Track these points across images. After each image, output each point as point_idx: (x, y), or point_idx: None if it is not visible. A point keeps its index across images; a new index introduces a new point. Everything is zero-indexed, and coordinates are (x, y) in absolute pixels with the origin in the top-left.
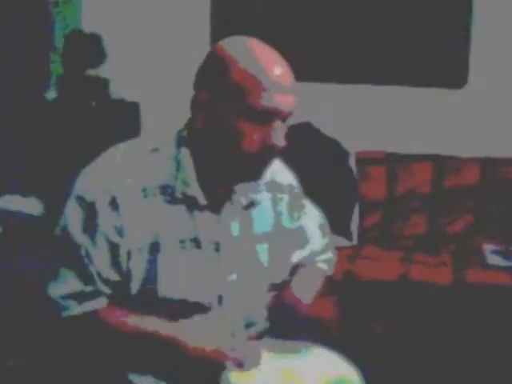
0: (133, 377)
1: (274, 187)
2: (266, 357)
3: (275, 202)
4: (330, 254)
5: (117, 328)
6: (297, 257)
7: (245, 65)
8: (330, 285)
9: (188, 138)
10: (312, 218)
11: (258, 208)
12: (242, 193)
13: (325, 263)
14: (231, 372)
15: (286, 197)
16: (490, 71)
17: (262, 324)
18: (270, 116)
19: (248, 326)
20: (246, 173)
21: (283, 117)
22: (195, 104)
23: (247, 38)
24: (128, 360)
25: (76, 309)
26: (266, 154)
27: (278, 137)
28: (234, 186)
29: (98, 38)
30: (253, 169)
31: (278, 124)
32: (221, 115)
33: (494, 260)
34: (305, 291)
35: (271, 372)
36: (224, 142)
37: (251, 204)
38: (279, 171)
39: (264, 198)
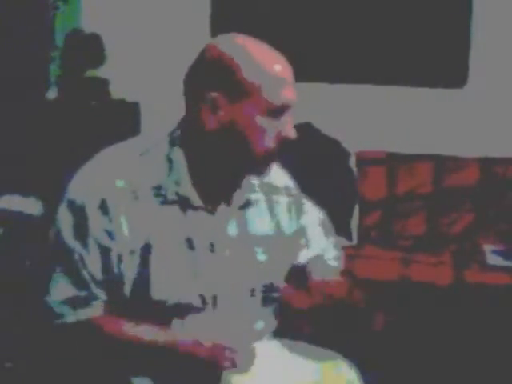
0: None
1: (270, 189)
2: (268, 357)
3: (271, 205)
4: (336, 252)
5: (113, 335)
6: (304, 257)
7: (254, 65)
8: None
9: (185, 138)
10: (312, 217)
11: (254, 208)
12: (237, 193)
13: (334, 260)
14: (232, 374)
15: (283, 199)
16: (490, 71)
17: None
18: (282, 110)
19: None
20: (257, 168)
21: (290, 109)
22: (204, 106)
23: (241, 37)
24: (125, 366)
25: (70, 316)
26: (278, 148)
27: (291, 129)
28: (231, 185)
29: (98, 38)
30: (265, 163)
31: (288, 117)
32: (239, 115)
33: (494, 260)
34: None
35: (272, 373)
36: (243, 139)
37: (246, 204)
38: (275, 173)
39: (259, 198)
